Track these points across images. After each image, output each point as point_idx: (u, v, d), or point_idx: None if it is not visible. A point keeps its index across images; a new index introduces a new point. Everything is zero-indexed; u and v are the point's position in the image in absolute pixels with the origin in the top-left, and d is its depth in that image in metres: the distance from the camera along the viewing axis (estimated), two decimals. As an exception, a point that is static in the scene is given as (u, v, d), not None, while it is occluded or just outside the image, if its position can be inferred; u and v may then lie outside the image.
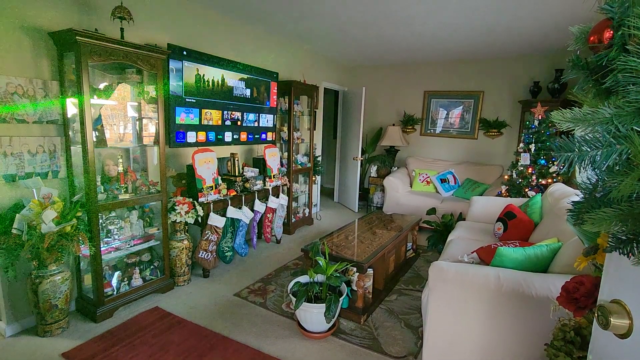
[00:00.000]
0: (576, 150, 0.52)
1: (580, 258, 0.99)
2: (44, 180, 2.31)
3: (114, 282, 2.63)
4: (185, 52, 2.96)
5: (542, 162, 3.66)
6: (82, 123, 2.25)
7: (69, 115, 2.40)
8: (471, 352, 1.77)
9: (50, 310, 2.22)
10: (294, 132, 4.42)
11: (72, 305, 2.55)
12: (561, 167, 3.64)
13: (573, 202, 0.68)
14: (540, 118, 3.74)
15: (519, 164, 3.80)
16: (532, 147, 3.72)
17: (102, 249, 2.46)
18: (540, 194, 3.20)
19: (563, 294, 0.93)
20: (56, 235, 2.13)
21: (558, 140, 0.58)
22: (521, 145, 3.84)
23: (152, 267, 2.88)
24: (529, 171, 3.71)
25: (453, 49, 4.63)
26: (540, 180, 3.65)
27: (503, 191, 3.95)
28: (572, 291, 0.90)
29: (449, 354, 1.85)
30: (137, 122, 2.73)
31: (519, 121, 4.90)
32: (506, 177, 3.97)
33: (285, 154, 4.43)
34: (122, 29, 2.43)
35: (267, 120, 4.07)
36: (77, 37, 2.11)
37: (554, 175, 3.60)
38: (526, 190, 3.70)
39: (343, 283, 2.47)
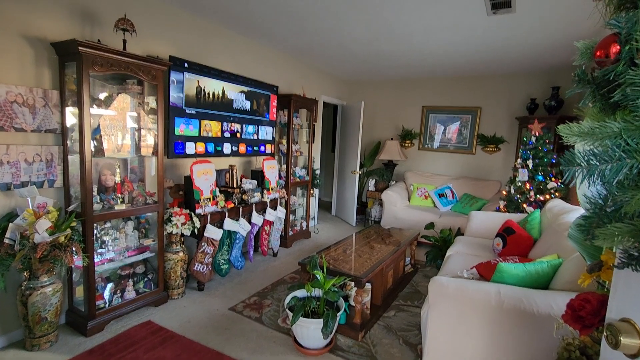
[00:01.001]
0: (584, 164, 0.51)
1: (584, 275, 0.97)
2: (40, 189, 2.28)
3: (107, 294, 2.57)
4: (186, 64, 2.99)
5: (540, 178, 3.68)
6: (81, 133, 2.24)
7: (68, 124, 2.39)
8: (472, 371, 1.73)
9: (40, 323, 2.15)
10: (293, 145, 4.43)
11: (62, 319, 2.48)
12: (563, 183, 3.65)
13: (583, 216, 0.67)
14: (537, 134, 3.78)
15: (517, 179, 3.81)
16: (530, 163, 3.74)
17: (95, 260, 2.41)
18: (538, 209, 3.20)
19: (568, 312, 0.91)
20: (49, 245, 2.09)
21: (565, 153, 0.57)
22: (519, 161, 3.86)
23: (146, 279, 2.82)
24: (527, 187, 3.72)
25: (451, 65, 4.70)
26: (538, 196, 3.66)
27: (501, 207, 3.95)
28: (577, 309, 0.88)
29: (449, 373, 1.80)
30: (136, 133, 2.72)
31: (516, 137, 4.95)
32: (504, 192, 3.98)
33: (284, 166, 4.43)
34: (124, 41, 2.45)
35: (266, 132, 4.08)
36: (79, 48, 2.12)
37: (552, 191, 3.61)
38: (524, 206, 3.70)
39: (341, 298, 2.42)
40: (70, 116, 2.38)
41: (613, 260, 0.93)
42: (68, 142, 2.39)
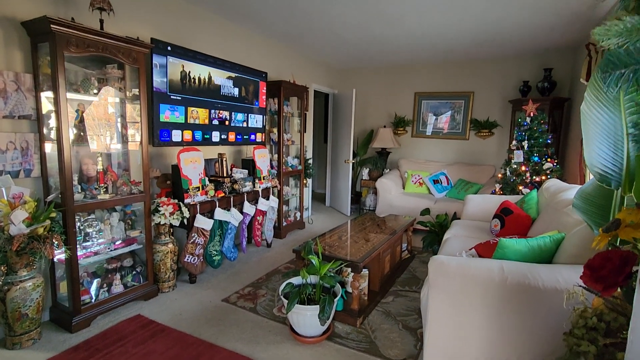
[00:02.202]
0: (634, 63, 0.42)
1: (600, 236, 0.90)
2: (15, 179, 2.15)
3: (93, 289, 2.45)
4: (169, 48, 2.85)
5: (536, 159, 3.63)
6: (58, 119, 2.11)
7: (44, 111, 2.25)
8: (477, 350, 1.66)
9: (20, 320, 2.04)
10: (284, 134, 4.32)
11: (46, 315, 2.36)
12: (554, 164, 3.61)
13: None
14: (532, 115, 3.73)
15: (513, 161, 3.76)
16: (525, 144, 3.69)
17: (79, 253, 2.29)
18: (535, 190, 3.15)
19: (587, 273, 0.84)
20: (26, 237, 1.96)
21: (606, 55, 0.48)
22: (514, 142, 3.81)
23: (134, 272, 2.71)
24: (523, 169, 3.67)
25: (443, 49, 4.62)
26: (534, 177, 3.61)
27: (497, 190, 3.90)
28: (598, 268, 0.81)
29: (451, 353, 1.73)
30: (119, 119, 2.59)
31: (509, 121, 4.91)
32: (500, 175, 3.93)
33: (275, 156, 4.32)
34: (101, 20, 2.31)
35: (256, 120, 3.96)
36: (51, 26, 1.98)
37: (548, 172, 3.57)
38: (520, 187, 3.66)
39: (337, 284, 2.34)
40: (46, 102, 2.24)
41: (631, 217, 0.86)
42: (44, 129, 2.26)
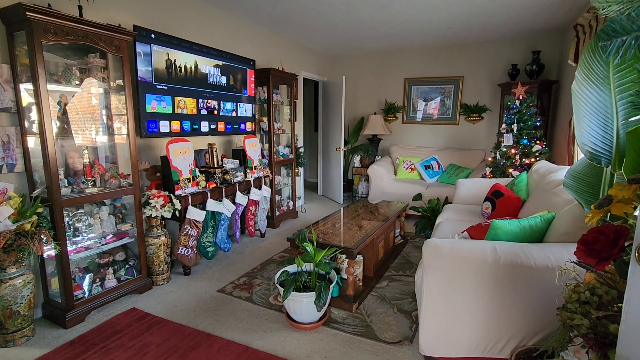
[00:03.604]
0: (634, 30, 0.41)
1: (592, 212, 0.91)
2: (-2, 174, 2.09)
3: (85, 284, 2.42)
4: (153, 35, 2.77)
5: (525, 141, 3.67)
6: (40, 111, 2.04)
7: (25, 103, 2.17)
8: (471, 328, 1.70)
9: (12, 318, 2.00)
10: (274, 123, 4.27)
11: (39, 312, 2.33)
12: (542, 146, 3.65)
13: None
14: (521, 98, 3.75)
15: (502, 145, 3.79)
16: (515, 127, 3.72)
17: (69, 248, 2.25)
18: (525, 172, 3.19)
19: (581, 248, 0.85)
20: (13, 234, 1.92)
21: (606, 24, 0.47)
22: (504, 126, 3.83)
23: (127, 266, 2.68)
24: (513, 152, 3.71)
25: (432, 34, 4.59)
26: (523, 159, 3.66)
27: (487, 173, 3.94)
28: (592, 242, 0.82)
29: (446, 334, 1.77)
30: (104, 111, 2.52)
31: (499, 105, 4.93)
32: (490, 159, 3.97)
33: (266, 145, 4.28)
34: (80, 7, 2.23)
35: (245, 109, 3.90)
36: (27, 14, 1.90)
37: (537, 154, 3.61)
38: (510, 170, 3.70)
39: (332, 270, 2.36)
40: (26, 93, 2.16)
41: (623, 193, 0.86)
42: (26, 122, 2.18)
